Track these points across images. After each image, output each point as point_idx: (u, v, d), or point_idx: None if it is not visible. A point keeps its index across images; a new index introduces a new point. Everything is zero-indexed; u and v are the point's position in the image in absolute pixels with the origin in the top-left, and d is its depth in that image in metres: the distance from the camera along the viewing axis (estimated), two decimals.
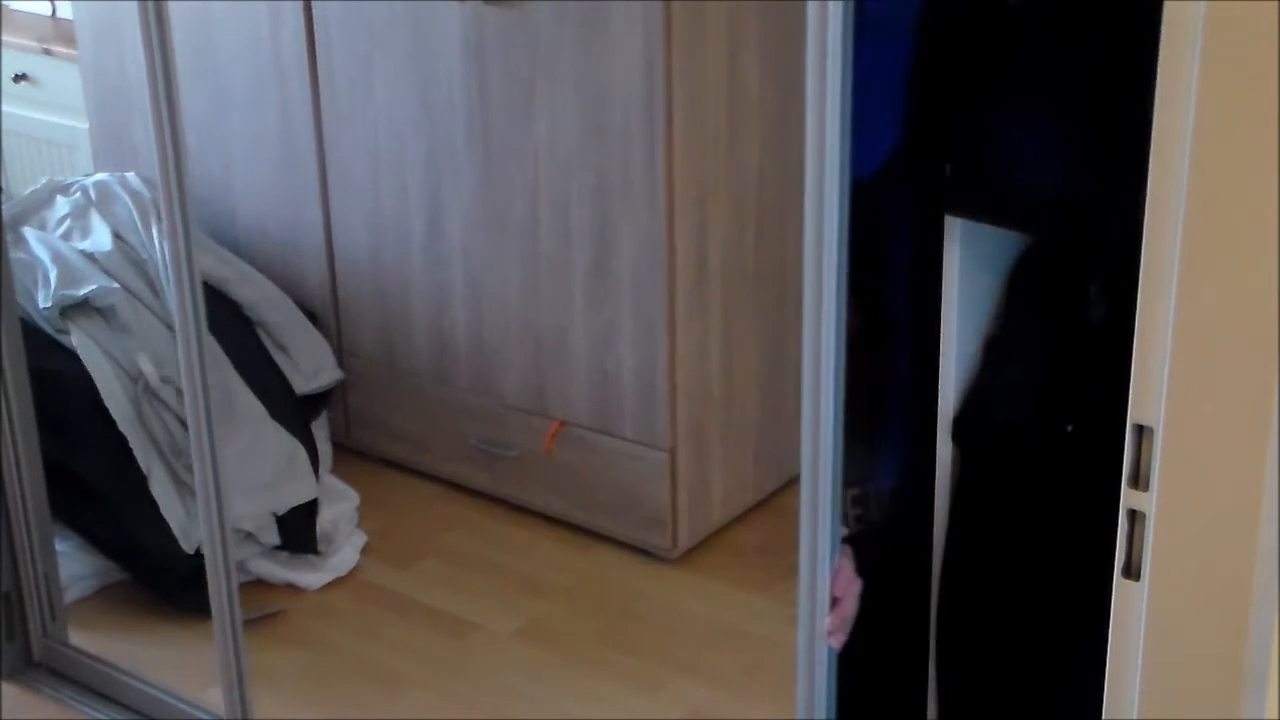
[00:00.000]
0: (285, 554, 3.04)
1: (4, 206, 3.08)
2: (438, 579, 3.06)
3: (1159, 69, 1.24)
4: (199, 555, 2.89)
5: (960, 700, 1.83)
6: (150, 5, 2.17)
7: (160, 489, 2.91)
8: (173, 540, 2.88)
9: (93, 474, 2.90)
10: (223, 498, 2.42)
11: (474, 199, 3.06)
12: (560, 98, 2.87)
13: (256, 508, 2.98)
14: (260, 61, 3.26)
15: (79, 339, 2.97)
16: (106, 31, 3.53)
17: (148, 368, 2.96)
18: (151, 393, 2.95)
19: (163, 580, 2.91)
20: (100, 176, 3.31)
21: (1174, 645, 1.36)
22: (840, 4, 1.57)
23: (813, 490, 1.83)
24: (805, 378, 1.79)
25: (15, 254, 2.96)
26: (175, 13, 3.35)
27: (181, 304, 2.30)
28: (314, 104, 3.22)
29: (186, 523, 2.91)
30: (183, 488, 2.94)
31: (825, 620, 1.88)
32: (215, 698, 2.57)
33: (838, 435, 1.80)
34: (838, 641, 1.93)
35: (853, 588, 1.95)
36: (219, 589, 2.46)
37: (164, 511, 2.90)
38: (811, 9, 1.59)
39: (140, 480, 2.90)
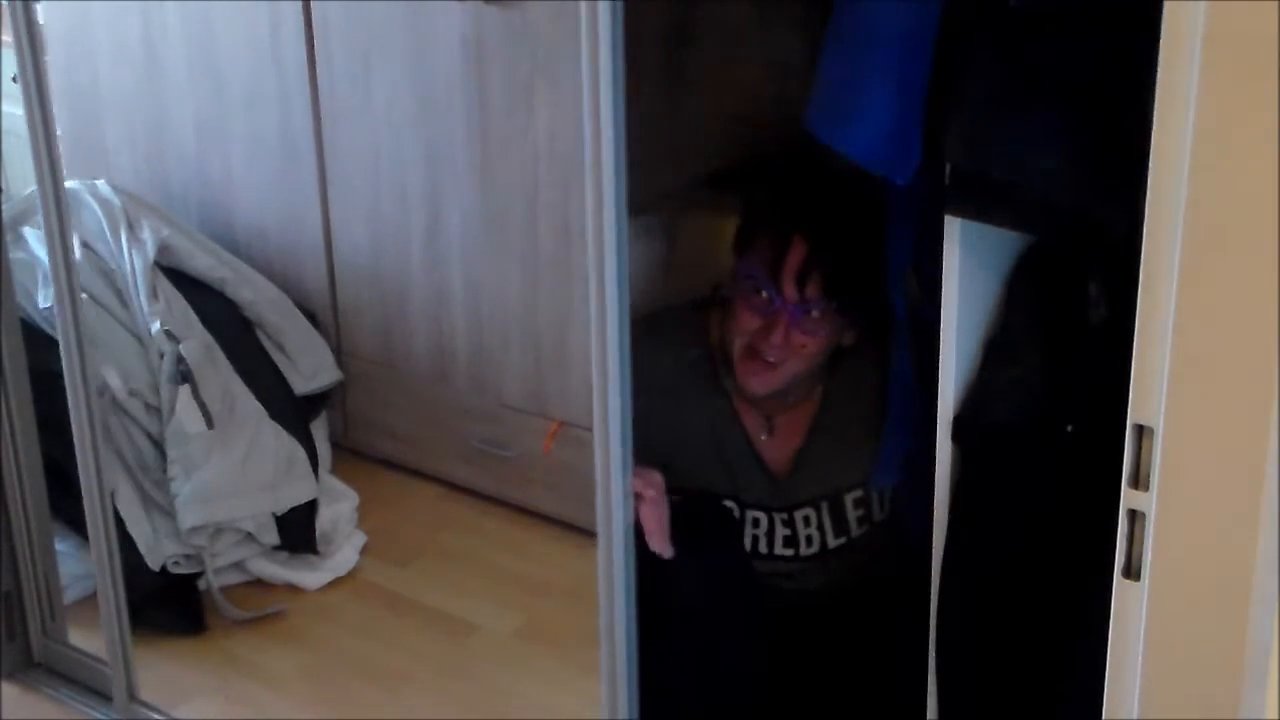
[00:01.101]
0: (285, 554, 3.04)
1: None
2: (437, 579, 3.05)
3: (1159, 69, 1.24)
4: (165, 573, 2.89)
5: (960, 700, 1.83)
6: (19, 5, 2.18)
7: (126, 506, 2.87)
8: (138, 557, 2.85)
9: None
10: (105, 506, 2.46)
11: (473, 199, 3.06)
12: (560, 98, 2.87)
13: (256, 508, 2.98)
14: (259, 61, 3.26)
15: None
16: (77, 36, 3.52)
17: (114, 380, 2.92)
18: (118, 406, 2.92)
19: (128, 596, 2.89)
20: (69, 184, 3.23)
21: (1174, 645, 1.36)
22: (609, 4, 1.71)
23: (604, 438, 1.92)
24: (594, 356, 1.89)
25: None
26: (174, 13, 3.38)
27: (63, 318, 2.40)
28: (313, 104, 3.22)
29: (153, 539, 2.88)
30: (149, 503, 2.91)
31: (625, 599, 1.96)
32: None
33: (625, 399, 1.90)
34: (668, 552, 2.04)
35: (658, 507, 2.04)
36: (107, 591, 2.50)
37: (130, 528, 2.85)
38: (584, 9, 1.73)
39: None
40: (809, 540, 2.22)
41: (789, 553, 2.24)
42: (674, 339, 2.25)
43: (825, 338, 2.14)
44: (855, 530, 2.23)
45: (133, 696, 2.63)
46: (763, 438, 2.24)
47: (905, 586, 1.94)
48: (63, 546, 2.84)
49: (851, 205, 2.04)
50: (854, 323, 2.15)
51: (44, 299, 2.97)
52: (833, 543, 2.23)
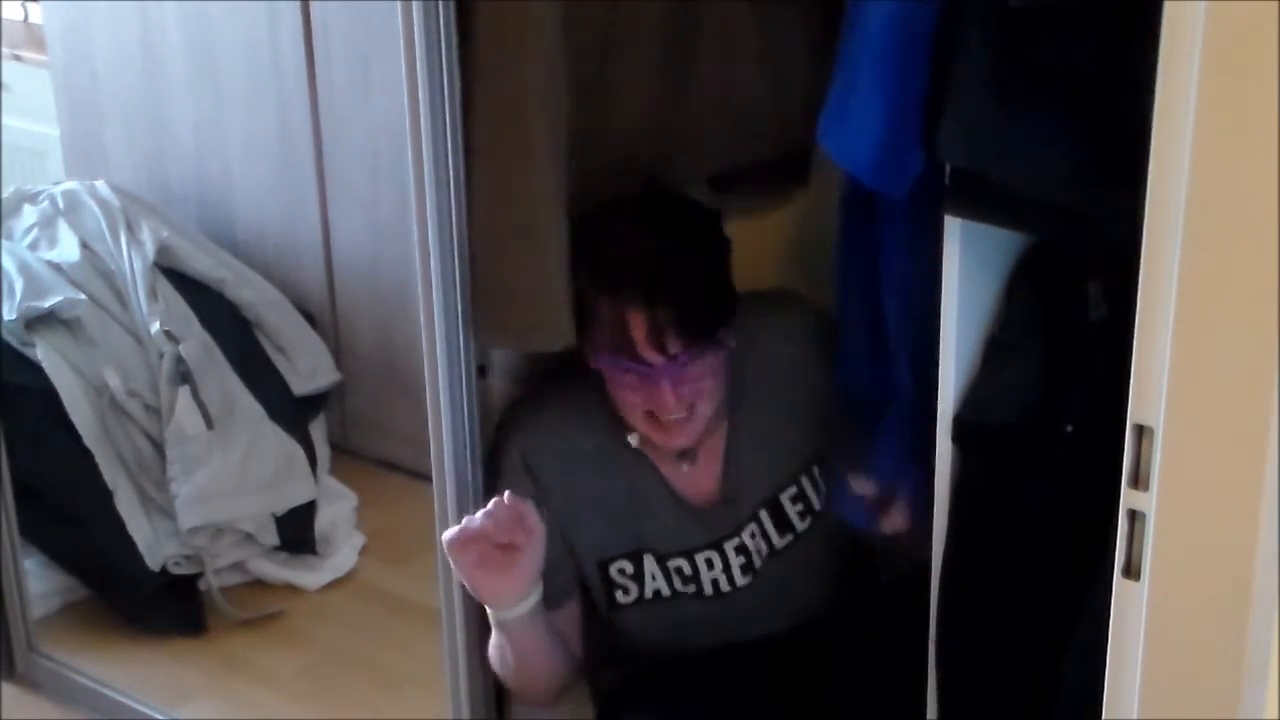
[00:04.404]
0: (284, 554, 3.04)
1: None
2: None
3: (1159, 69, 1.24)
4: (165, 573, 2.90)
5: (960, 700, 1.84)
6: None
7: (126, 505, 2.89)
8: (138, 557, 2.87)
9: (57, 490, 2.87)
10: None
11: None
12: None
13: (255, 508, 2.98)
14: (258, 63, 3.26)
15: (44, 352, 2.92)
16: (77, 36, 3.52)
17: (114, 381, 2.93)
18: (118, 406, 2.93)
19: (128, 598, 2.90)
20: (69, 185, 3.27)
21: (1174, 645, 1.36)
22: (421, 4, 1.87)
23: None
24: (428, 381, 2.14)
25: None
26: (173, 14, 3.38)
27: None
28: (312, 105, 3.22)
29: (153, 539, 2.89)
30: (149, 504, 2.92)
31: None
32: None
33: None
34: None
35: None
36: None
37: (130, 528, 2.87)
38: (400, 9, 1.89)
39: (106, 496, 2.87)
40: (759, 551, 2.15)
41: (746, 580, 2.18)
42: (577, 404, 2.16)
43: (719, 367, 2.05)
44: (800, 525, 2.18)
45: (31, 647, 2.72)
46: (684, 470, 2.15)
47: (906, 587, 1.93)
48: (26, 564, 2.82)
49: (678, 250, 2.01)
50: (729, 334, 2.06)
51: (8, 310, 2.94)
52: (780, 543, 2.18)
